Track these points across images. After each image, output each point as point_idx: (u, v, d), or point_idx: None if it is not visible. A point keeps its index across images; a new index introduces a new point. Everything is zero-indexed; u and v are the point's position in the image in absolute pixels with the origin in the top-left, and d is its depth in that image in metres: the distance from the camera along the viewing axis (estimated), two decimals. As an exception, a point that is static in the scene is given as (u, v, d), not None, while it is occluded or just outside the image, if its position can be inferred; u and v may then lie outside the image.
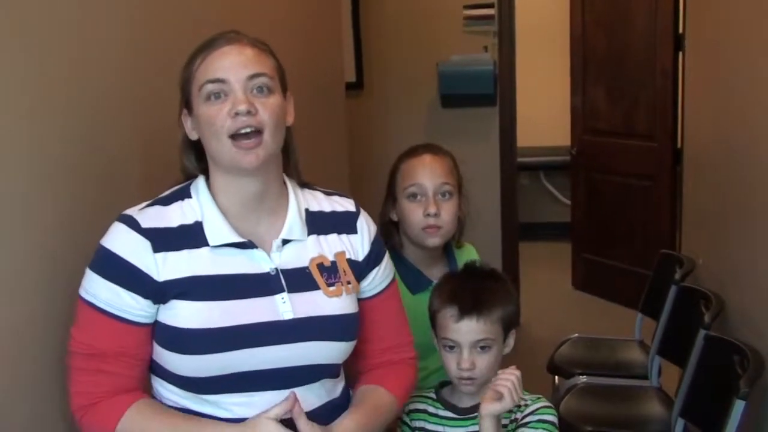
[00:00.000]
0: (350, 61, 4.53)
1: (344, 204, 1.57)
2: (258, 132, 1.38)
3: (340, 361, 1.51)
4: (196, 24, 1.88)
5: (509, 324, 1.68)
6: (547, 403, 1.67)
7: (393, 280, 1.64)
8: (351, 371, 1.62)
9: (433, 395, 1.73)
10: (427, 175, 1.96)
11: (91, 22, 1.57)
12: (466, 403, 1.69)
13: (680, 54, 4.25)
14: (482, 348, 1.64)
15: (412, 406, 1.72)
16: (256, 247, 1.43)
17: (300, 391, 1.41)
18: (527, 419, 1.63)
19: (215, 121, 1.37)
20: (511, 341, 1.70)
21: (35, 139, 1.39)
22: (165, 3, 1.89)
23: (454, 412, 1.69)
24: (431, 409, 1.71)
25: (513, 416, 1.65)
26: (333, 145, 3.49)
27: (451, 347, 1.66)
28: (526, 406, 1.65)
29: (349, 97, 3.93)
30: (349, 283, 1.50)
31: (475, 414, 1.66)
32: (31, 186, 1.38)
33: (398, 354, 1.62)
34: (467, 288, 1.68)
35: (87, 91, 1.55)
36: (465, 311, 1.63)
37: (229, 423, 1.37)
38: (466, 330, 1.63)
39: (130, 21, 1.73)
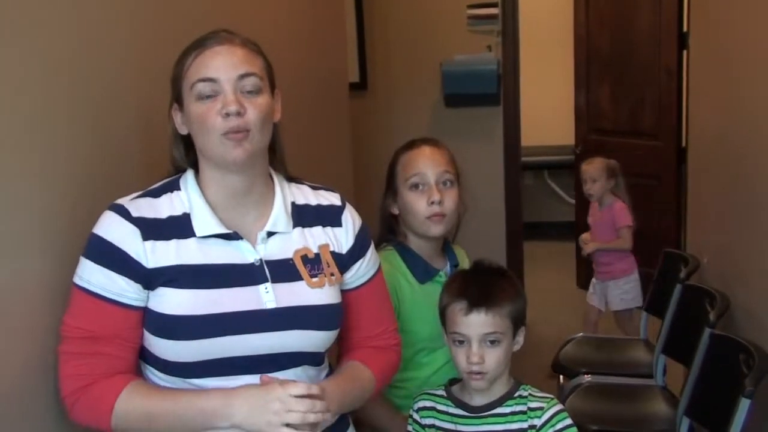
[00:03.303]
0: (354, 62, 4.54)
1: (330, 198, 1.61)
2: (246, 131, 1.41)
3: (322, 350, 1.54)
4: (199, 23, 1.87)
5: (518, 320, 1.69)
6: (561, 407, 1.68)
7: (378, 271, 1.67)
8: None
9: (442, 393, 1.74)
10: (428, 164, 1.95)
11: (92, 19, 1.57)
12: (477, 401, 1.69)
13: (684, 52, 4.24)
14: (491, 342, 1.65)
15: (420, 404, 1.73)
16: (242, 239, 1.47)
17: (281, 376, 1.44)
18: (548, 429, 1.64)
19: (206, 120, 1.41)
20: (520, 338, 1.71)
21: (41, 140, 1.40)
22: (168, 0, 1.90)
23: (466, 410, 1.69)
24: (441, 407, 1.71)
25: (531, 422, 1.65)
26: (337, 145, 3.50)
27: (461, 341, 1.66)
28: (542, 410, 1.66)
29: (353, 97, 3.94)
30: (332, 274, 1.53)
31: (487, 413, 1.66)
32: (41, 186, 1.40)
33: (382, 341, 1.65)
34: (476, 282, 1.69)
35: (89, 89, 1.55)
36: (474, 304, 1.64)
37: (216, 390, 1.39)
38: (475, 323, 1.64)
39: (133, 18, 1.73)
